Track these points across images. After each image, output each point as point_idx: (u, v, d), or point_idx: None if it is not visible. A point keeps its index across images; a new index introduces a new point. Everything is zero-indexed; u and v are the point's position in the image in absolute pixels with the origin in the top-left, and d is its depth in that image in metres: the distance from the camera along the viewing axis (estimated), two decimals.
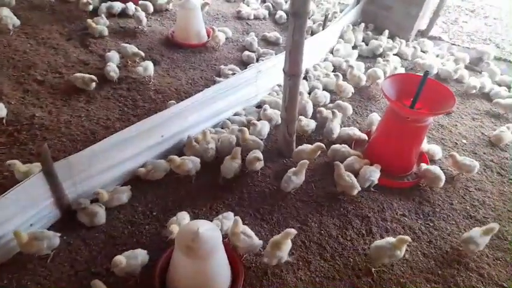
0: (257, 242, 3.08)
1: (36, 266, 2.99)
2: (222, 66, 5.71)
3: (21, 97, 4.68)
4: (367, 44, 6.93)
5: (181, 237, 2.53)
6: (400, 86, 4.05)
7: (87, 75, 4.85)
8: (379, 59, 6.38)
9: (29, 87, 4.86)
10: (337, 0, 8.79)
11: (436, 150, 4.55)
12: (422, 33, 7.67)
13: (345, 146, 4.29)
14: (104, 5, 6.75)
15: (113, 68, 5.08)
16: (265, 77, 5.03)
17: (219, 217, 3.28)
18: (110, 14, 6.77)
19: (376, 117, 4.87)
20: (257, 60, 6.11)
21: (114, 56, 5.41)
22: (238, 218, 3.09)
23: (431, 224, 3.75)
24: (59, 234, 3.05)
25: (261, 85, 5.08)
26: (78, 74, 4.87)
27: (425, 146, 4.55)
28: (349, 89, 5.34)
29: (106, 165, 3.50)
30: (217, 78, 5.30)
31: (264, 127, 4.40)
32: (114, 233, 3.32)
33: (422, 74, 3.68)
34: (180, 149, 4.17)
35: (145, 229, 3.39)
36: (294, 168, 3.80)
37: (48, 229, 3.20)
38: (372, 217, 3.72)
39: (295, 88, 3.72)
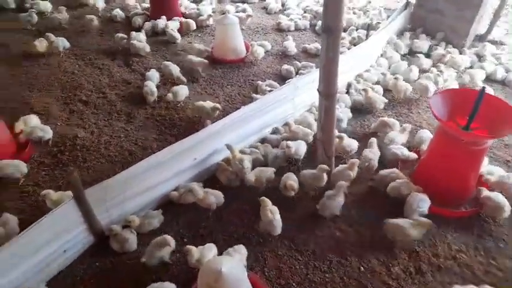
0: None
1: None
2: (260, 82, 5.55)
3: (67, 118, 4.88)
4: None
5: (204, 277, 2.37)
6: (453, 102, 3.61)
7: (211, 104, 4.70)
8: (433, 68, 5.87)
9: (74, 107, 5.06)
10: (383, 6, 8.32)
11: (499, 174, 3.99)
12: (480, 38, 6.96)
13: (395, 171, 3.90)
14: (147, 24, 6.95)
15: (150, 90, 5.10)
16: (303, 94, 4.79)
17: (229, 250, 3.08)
18: (154, 33, 6.95)
19: (426, 135, 4.41)
20: (296, 74, 5.89)
21: (153, 76, 5.47)
22: None
23: (494, 263, 3.24)
24: None
25: (299, 102, 4.84)
26: (201, 103, 4.74)
27: (486, 168, 4.02)
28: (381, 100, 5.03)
29: (138, 190, 3.46)
30: (254, 95, 5.15)
31: (300, 147, 4.14)
32: None
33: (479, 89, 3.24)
34: (214, 171, 4.04)
35: (176, 257, 3.28)
36: (330, 191, 3.57)
37: (82, 254, 3.23)
38: (422, 252, 3.31)
39: (331, 108, 3.45)
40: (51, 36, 5.97)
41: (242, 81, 5.82)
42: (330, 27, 2.89)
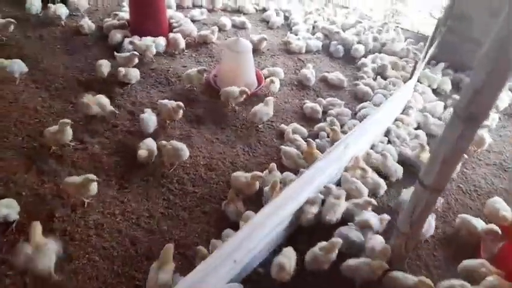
0: None
1: None
2: (285, 127, 4.69)
3: (34, 183, 3.71)
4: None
5: None
6: None
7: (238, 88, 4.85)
8: None
9: (44, 165, 3.90)
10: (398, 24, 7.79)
11: None
12: None
13: (484, 262, 3.25)
14: (127, 41, 5.81)
15: (147, 146, 4.02)
16: (350, 151, 4.03)
17: None
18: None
19: (502, 206, 3.81)
20: (323, 114, 5.11)
21: (150, 120, 4.34)
22: None
23: None
24: None
25: (346, 160, 4.08)
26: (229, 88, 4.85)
27: None
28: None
29: None
30: (284, 148, 4.26)
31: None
32: None
33: None
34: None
35: None
36: None
37: None
38: None
39: (432, 205, 2.75)
40: (3, 61, 4.68)
41: (259, 124, 4.92)
42: (476, 116, 2.14)
